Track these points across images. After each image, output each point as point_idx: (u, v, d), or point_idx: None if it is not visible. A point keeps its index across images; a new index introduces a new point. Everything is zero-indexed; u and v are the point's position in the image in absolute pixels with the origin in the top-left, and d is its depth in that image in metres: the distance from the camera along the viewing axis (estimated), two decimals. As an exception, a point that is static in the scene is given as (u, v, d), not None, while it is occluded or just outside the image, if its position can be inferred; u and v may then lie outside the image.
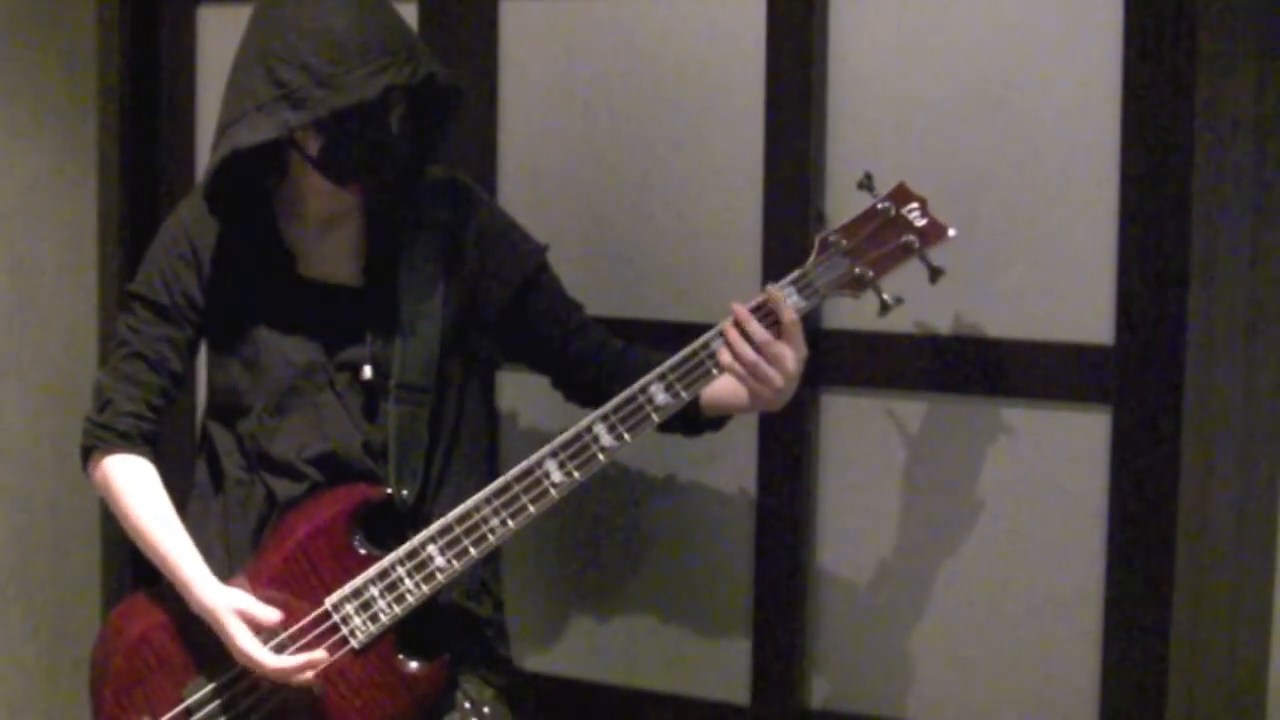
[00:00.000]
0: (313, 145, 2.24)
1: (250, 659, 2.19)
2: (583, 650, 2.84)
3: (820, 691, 2.67)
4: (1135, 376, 2.38)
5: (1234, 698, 2.72)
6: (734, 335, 2.22)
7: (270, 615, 2.21)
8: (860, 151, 2.57)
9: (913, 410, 2.56)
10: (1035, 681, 2.50)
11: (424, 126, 2.30)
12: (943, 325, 2.48)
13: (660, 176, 2.73)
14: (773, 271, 2.61)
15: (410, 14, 2.88)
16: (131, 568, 3.13)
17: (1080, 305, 2.43)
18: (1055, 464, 2.47)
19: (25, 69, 3.09)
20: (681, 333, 2.65)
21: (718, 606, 2.73)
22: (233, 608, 2.20)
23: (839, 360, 2.58)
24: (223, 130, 2.22)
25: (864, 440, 2.60)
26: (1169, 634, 2.39)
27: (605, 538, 2.81)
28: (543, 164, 2.83)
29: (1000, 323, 2.48)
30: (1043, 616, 2.49)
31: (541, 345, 2.41)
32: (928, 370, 2.53)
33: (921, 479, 2.56)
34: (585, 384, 2.41)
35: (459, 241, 2.36)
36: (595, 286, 2.72)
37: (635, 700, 2.79)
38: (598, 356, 2.39)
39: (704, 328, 2.59)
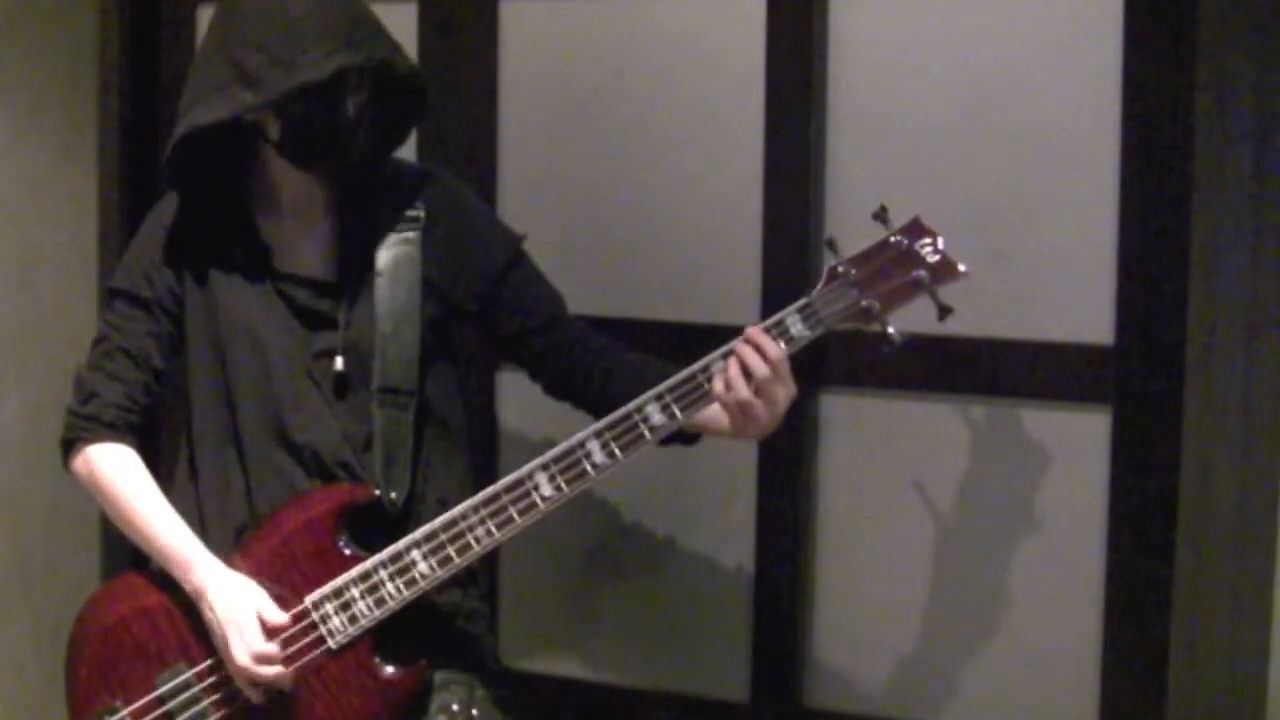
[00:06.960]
0: (273, 129, 2.26)
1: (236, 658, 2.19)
2: (582, 650, 2.84)
3: (820, 691, 2.67)
4: (1135, 376, 2.38)
5: (1234, 698, 2.72)
6: (734, 370, 2.14)
7: (277, 618, 2.21)
8: (860, 151, 2.57)
9: (913, 410, 2.56)
10: (1035, 681, 2.50)
11: (389, 116, 2.32)
12: (943, 325, 2.48)
13: (660, 177, 2.72)
14: (772, 271, 2.61)
15: (410, 14, 2.88)
16: (130, 567, 3.13)
17: (1080, 305, 2.43)
18: (1055, 464, 2.47)
19: (25, 68, 3.09)
20: (680, 333, 2.66)
21: (718, 606, 2.73)
22: (252, 606, 2.21)
23: (839, 360, 2.58)
24: (183, 113, 2.25)
25: (864, 440, 2.60)
26: (1169, 634, 2.39)
27: (605, 537, 2.81)
28: (543, 164, 2.83)
29: (1000, 323, 2.48)
30: (1043, 616, 2.49)
31: (515, 336, 2.38)
32: (928, 370, 2.53)
33: (921, 479, 2.56)
34: (560, 378, 2.38)
35: (434, 236, 2.35)
36: (594, 286, 2.72)
37: (635, 700, 2.79)
38: (573, 351, 2.35)
39: (702, 328, 2.59)
